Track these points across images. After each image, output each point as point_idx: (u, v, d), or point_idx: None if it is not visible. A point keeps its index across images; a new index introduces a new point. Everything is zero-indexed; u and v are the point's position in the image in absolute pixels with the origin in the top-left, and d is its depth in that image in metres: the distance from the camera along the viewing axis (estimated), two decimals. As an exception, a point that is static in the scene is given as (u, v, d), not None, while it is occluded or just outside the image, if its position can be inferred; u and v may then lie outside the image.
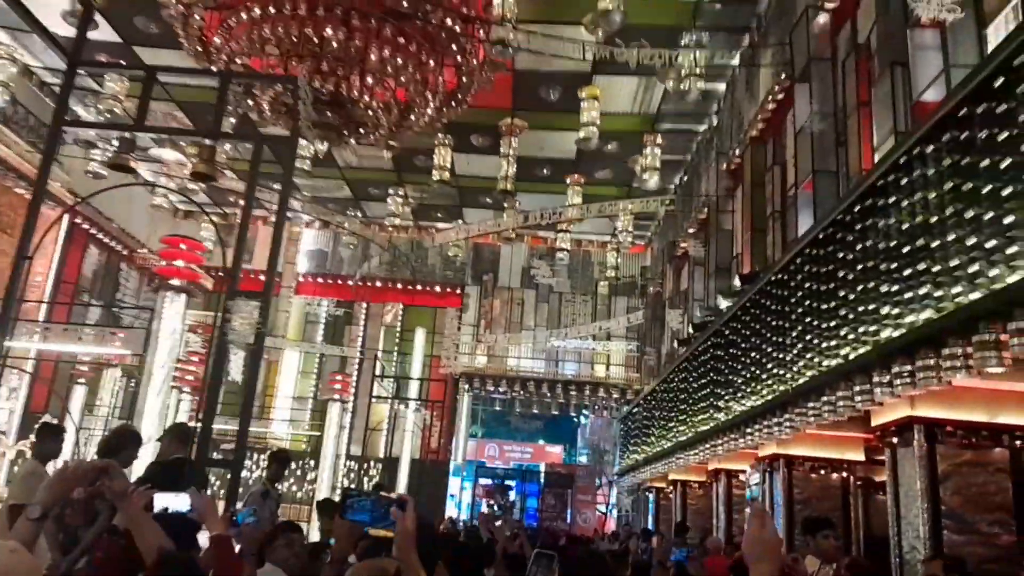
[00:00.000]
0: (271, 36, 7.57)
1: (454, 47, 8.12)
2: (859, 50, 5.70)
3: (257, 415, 14.85)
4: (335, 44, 7.66)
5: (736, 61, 8.92)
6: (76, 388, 10.73)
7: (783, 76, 7.12)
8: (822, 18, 6.36)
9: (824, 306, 4.92)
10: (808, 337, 5.18)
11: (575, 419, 19.98)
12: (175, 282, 5.53)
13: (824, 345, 4.90)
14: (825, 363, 4.87)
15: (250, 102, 8.56)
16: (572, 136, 10.05)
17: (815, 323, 5.06)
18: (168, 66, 7.81)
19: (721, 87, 9.46)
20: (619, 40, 6.71)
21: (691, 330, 8.75)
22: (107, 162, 5.95)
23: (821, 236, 5.05)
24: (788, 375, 5.54)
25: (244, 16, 7.68)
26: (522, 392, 15.01)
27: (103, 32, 9.17)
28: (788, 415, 5.50)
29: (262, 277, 14.48)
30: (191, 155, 9.13)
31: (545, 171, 11.85)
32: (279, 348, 14.77)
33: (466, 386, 15.21)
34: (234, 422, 13.55)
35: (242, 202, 12.23)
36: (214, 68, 8.31)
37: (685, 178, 11.55)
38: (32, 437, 6.42)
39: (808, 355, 5.21)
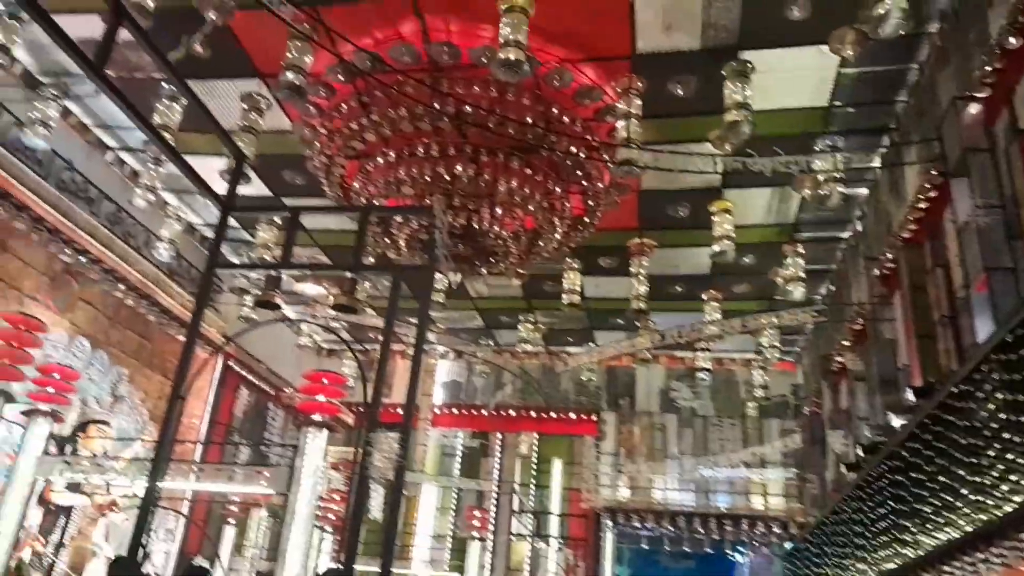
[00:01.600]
0: (406, 177, 7.94)
1: (579, 173, 8.22)
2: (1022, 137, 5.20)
3: (397, 554, 14.62)
4: (465, 180, 7.94)
5: (877, 163, 8.47)
6: (226, 528, 10.96)
7: (933, 172, 6.62)
8: (974, 108, 5.91)
9: (1026, 418, 4.23)
10: (1010, 456, 4.45)
11: (731, 557, 18.39)
12: (317, 417, 5.56)
13: (1035, 465, 4.18)
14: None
15: (387, 240, 8.93)
16: (705, 251, 9.79)
17: (1017, 439, 4.35)
18: (311, 205, 8.30)
19: (862, 191, 8.97)
20: (750, 150, 6.52)
21: (860, 453, 7.88)
22: (255, 300, 6.23)
23: (1009, 339, 4.43)
24: (990, 501, 4.76)
25: (380, 160, 8.15)
26: (671, 528, 13.99)
27: (255, 187, 10.00)
28: (997, 548, 4.67)
29: (401, 411, 14.60)
30: (332, 293, 9.58)
31: (678, 288, 11.53)
32: (417, 483, 14.67)
33: (609, 522, 14.38)
34: (375, 563, 13.43)
35: (381, 337, 12.73)
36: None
37: (832, 288, 10.86)
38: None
39: (1013, 476, 4.45)
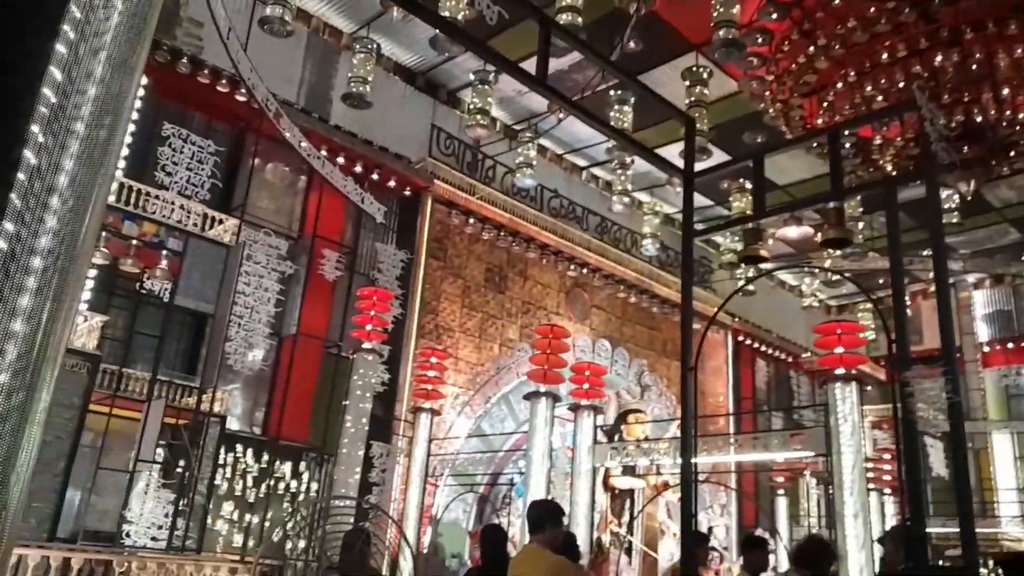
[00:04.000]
0: (876, 91, 6.95)
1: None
2: None
3: (978, 513, 12.76)
4: (950, 70, 6.60)
5: None
6: (778, 500, 10.89)
7: None
8: None
9: None
10: None
11: None
12: (840, 371, 5.09)
13: None
14: None
15: (872, 170, 7.93)
16: None
17: None
18: (773, 145, 7.77)
19: None
20: None
21: None
22: (738, 255, 6.00)
23: None
24: None
25: (840, 85, 7.29)
26: None
27: (717, 157, 9.90)
28: None
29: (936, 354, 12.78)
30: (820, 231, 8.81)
31: None
32: (980, 432, 12.65)
33: None
34: (953, 523, 11.90)
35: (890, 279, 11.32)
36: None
37: None
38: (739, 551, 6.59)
39: None
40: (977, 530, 11.59)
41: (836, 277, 11.07)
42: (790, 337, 13.75)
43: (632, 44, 8.49)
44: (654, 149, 6.14)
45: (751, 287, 11.63)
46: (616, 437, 7.86)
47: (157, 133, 6.99)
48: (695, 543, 3.87)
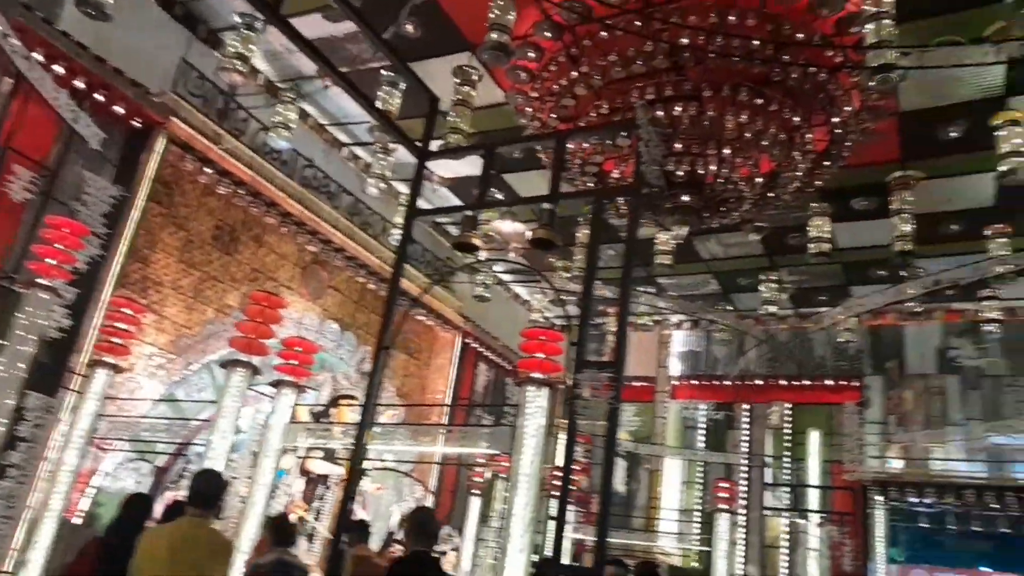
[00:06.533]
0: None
1: (821, 98, 7.16)
2: None
3: (643, 527, 14.24)
4: (686, 122, 7.24)
5: None
6: (472, 499, 11.29)
7: None
8: None
9: None
10: None
11: (1036, 539, 15.73)
12: (537, 375, 5.30)
13: None
14: None
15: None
16: (987, 178, 8.23)
17: None
18: (506, 141, 8.03)
19: None
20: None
21: None
22: (452, 243, 6.07)
23: None
24: None
25: (594, 115, 7.69)
26: (956, 504, 12.15)
27: (474, 166, 10.05)
28: None
29: (636, 384, 14.07)
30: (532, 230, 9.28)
31: (954, 227, 9.83)
32: (658, 456, 14.19)
33: (879, 496, 12.82)
34: (617, 535, 13.16)
35: (612, 310, 12.42)
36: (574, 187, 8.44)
37: None
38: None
39: None
40: (639, 543, 12.85)
41: (564, 297, 11.75)
42: (513, 347, 14.38)
43: (411, 29, 8.34)
44: (416, 142, 6.07)
45: (487, 294, 11.98)
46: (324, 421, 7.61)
47: None
48: (355, 530, 3.77)
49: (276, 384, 6.30)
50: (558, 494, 9.59)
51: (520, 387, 5.14)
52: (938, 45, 5.55)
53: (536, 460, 4.92)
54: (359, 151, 11.24)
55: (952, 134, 8.08)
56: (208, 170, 8.91)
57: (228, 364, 6.28)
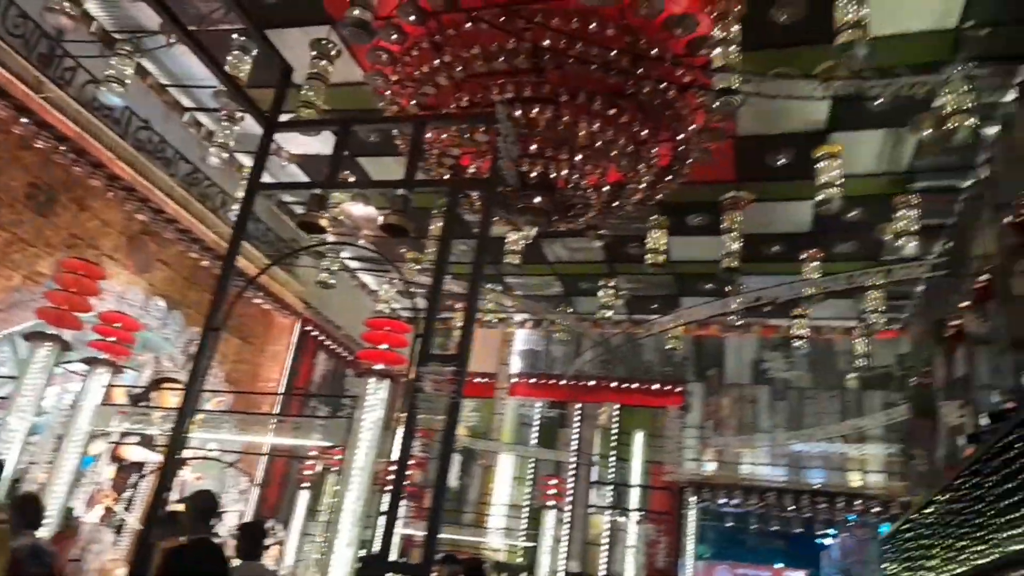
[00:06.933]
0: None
1: (669, 115, 7.54)
2: None
3: (475, 523, 14.39)
4: (543, 124, 7.38)
5: (1011, 96, 7.48)
6: (301, 493, 10.90)
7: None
8: None
9: None
10: None
11: (821, 538, 17.45)
12: (379, 367, 5.19)
13: None
14: None
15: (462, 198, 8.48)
16: (806, 206, 9.00)
17: None
18: (360, 117, 7.88)
19: (991, 130, 7.97)
20: (866, 74, 5.72)
21: (985, 421, 7.03)
22: (296, 221, 5.85)
23: None
24: None
25: (453, 107, 7.67)
26: (759, 504, 13.24)
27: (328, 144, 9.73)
28: None
29: (478, 380, 14.17)
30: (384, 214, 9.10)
31: (775, 248, 10.69)
32: (494, 452, 14.40)
33: (692, 497, 13.72)
34: (447, 530, 13.21)
35: (460, 305, 12.42)
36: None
37: (949, 245, 9.85)
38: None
39: None
40: (468, 538, 12.94)
41: (413, 289, 11.64)
42: (356, 337, 14.05)
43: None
44: (265, 112, 5.75)
45: (332, 280, 11.64)
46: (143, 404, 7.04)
47: None
48: (168, 523, 3.53)
49: (89, 361, 5.75)
50: (391, 489, 9.50)
51: (360, 378, 5.00)
52: (775, 76, 5.93)
53: (371, 454, 4.82)
54: (202, 117, 10.54)
55: (780, 161, 8.78)
56: (25, 120, 8.01)
57: (33, 336, 5.66)
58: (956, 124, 6.33)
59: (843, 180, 7.66)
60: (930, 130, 6.65)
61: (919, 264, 8.67)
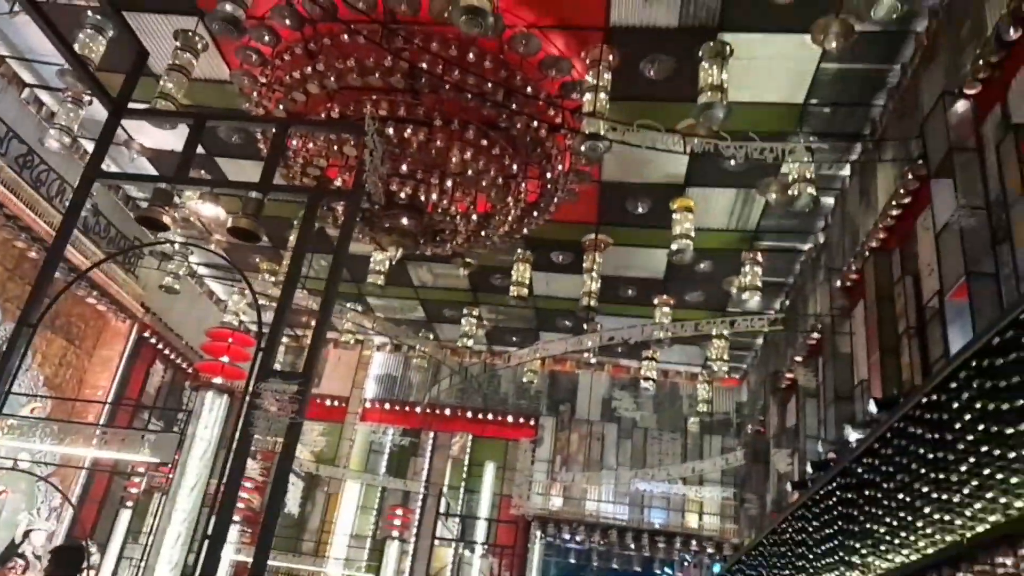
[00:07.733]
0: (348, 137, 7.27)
1: (539, 152, 7.67)
2: (1019, 131, 4.84)
3: (314, 552, 13.76)
4: (415, 146, 7.31)
5: (846, 171, 8.16)
6: (123, 512, 10.03)
7: (910, 176, 6.28)
8: (961, 105, 5.57)
9: (1009, 429, 3.81)
10: (985, 471, 4.04)
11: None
12: (218, 381, 4.85)
13: (1014, 480, 3.78)
14: (1019, 504, 3.74)
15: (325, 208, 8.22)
16: (660, 253, 9.37)
17: (995, 451, 3.94)
18: (217, 114, 7.50)
19: (828, 200, 8.64)
20: (723, 135, 6.05)
21: (808, 470, 7.48)
22: (136, 216, 5.40)
23: (995, 343, 4.01)
24: (959, 521, 4.35)
25: (323, 117, 7.46)
26: (602, 541, 13.48)
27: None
28: (964, 573, 4.26)
29: (329, 403, 13.68)
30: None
31: (630, 292, 11.06)
32: (338, 478, 13.89)
33: (538, 532, 13.79)
34: (283, 558, 12.57)
35: (314, 322, 11.99)
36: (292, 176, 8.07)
37: (787, 302, 10.55)
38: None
39: (989, 494, 4.05)
40: (308, 567, 12.30)
41: (264, 302, 11.12)
42: (199, 348, 13.25)
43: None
44: (114, 96, 5.33)
45: (176, 285, 10.94)
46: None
47: None
48: None
49: None
50: (218, 509, 8.93)
51: (197, 392, 4.65)
52: (639, 127, 6.15)
53: (204, 473, 4.45)
54: (44, 96, 9.69)
55: (639, 209, 9.12)
56: None
57: None
58: (798, 191, 6.82)
59: (695, 233, 8.06)
60: (775, 194, 7.10)
61: (760, 318, 9.20)
